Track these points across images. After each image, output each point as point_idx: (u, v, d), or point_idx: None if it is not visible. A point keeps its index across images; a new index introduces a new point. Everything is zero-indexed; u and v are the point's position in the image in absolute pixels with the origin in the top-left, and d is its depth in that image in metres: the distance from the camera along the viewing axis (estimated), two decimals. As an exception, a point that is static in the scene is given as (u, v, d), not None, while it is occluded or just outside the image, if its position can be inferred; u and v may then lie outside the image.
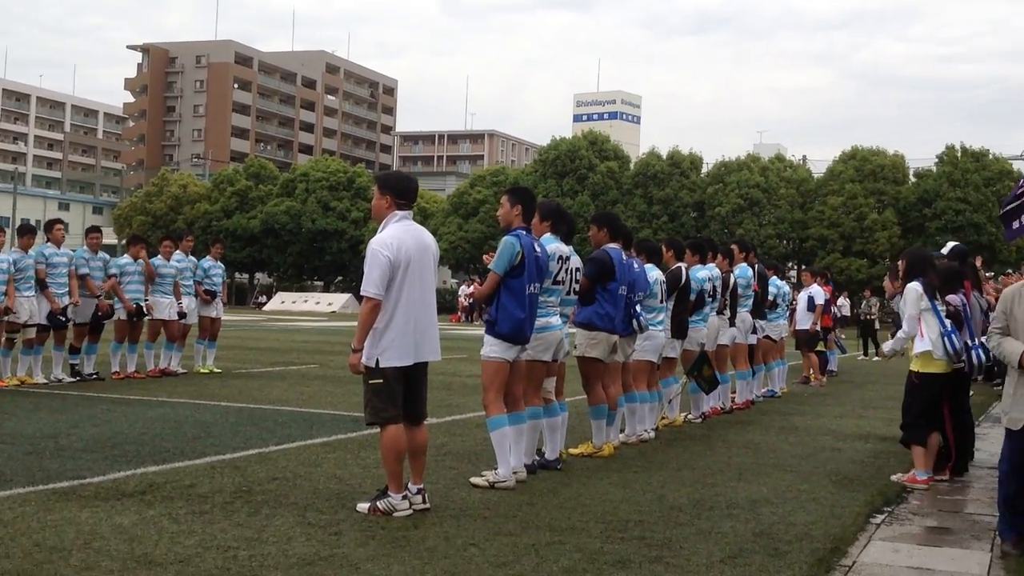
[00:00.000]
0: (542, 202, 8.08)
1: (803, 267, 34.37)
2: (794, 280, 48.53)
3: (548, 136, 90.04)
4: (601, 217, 9.23)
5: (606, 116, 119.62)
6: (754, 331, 13.16)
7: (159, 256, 15.11)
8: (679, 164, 62.21)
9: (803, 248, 59.93)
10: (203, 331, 15.80)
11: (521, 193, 7.60)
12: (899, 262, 8.65)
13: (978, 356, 7.85)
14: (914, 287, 8.08)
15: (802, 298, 17.46)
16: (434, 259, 6.53)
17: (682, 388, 11.10)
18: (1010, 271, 17.81)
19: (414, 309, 6.29)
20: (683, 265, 10.70)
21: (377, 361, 6.21)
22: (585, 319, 8.61)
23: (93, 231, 14.68)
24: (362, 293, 6.26)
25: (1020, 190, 9.48)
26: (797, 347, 17.57)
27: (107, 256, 14.57)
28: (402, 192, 6.48)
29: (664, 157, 63.21)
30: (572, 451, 8.67)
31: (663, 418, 10.74)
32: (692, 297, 10.73)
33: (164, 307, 14.84)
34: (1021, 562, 5.53)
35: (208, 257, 16.05)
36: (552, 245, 7.81)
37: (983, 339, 7.76)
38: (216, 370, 15.66)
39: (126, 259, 14.59)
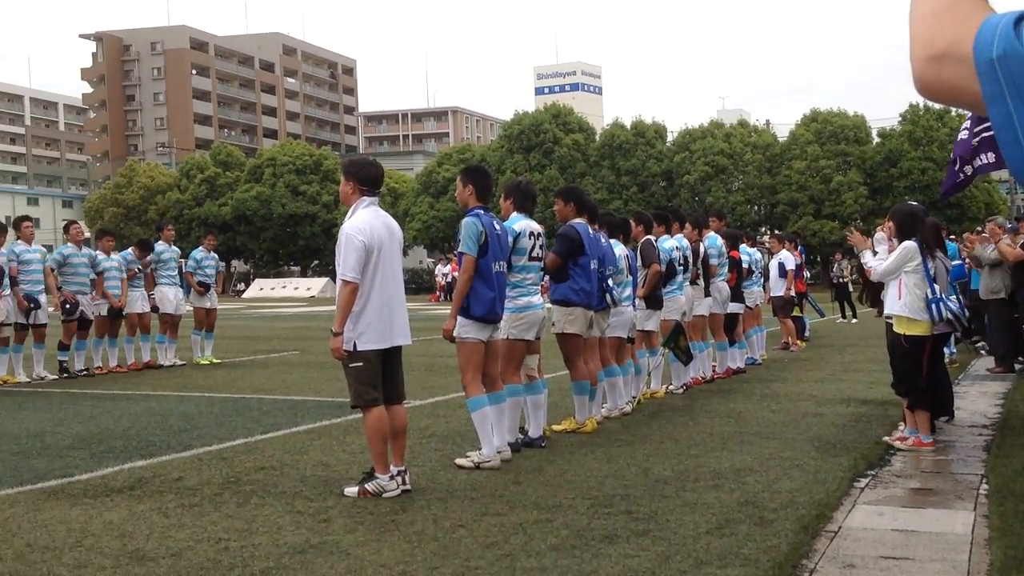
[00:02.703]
0: (507, 183, 8.13)
1: (772, 233, 34.72)
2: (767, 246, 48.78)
3: (511, 110, 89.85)
4: (567, 191, 9.27)
5: (568, 88, 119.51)
6: (735, 300, 13.22)
7: (130, 251, 15.07)
8: (643, 134, 62.23)
9: (774, 213, 60.19)
10: (199, 322, 15.80)
11: (473, 173, 7.63)
12: (887, 223, 8.49)
13: (949, 309, 7.75)
14: (911, 245, 7.88)
15: (773, 265, 17.58)
16: (399, 245, 6.65)
17: (662, 359, 11.19)
18: (979, 228, 18.06)
19: (387, 293, 6.40)
20: (651, 237, 10.78)
21: (355, 344, 6.30)
22: (562, 296, 8.67)
23: (73, 225, 14.57)
24: (340, 277, 6.34)
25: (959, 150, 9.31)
26: (774, 313, 17.71)
27: (92, 252, 14.48)
28: (365, 179, 6.58)
29: (628, 127, 63.25)
30: (555, 427, 8.75)
31: (646, 391, 10.83)
32: (663, 268, 10.80)
33: (136, 300, 14.80)
34: (1004, 518, 5.65)
35: (201, 248, 16.01)
36: (521, 222, 7.86)
37: (950, 297, 7.83)
38: (216, 360, 15.67)
39: (100, 254, 14.50)
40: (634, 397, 10.26)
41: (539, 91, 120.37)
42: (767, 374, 13.49)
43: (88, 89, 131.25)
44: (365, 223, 6.38)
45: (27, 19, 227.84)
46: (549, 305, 8.55)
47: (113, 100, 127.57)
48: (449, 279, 42.74)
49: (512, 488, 6.57)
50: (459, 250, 7.26)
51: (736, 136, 60.80)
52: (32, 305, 13.26)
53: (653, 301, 10.62)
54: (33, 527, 5.65)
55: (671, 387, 11.47)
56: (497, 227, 7.38)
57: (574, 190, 9.36)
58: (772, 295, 17.35)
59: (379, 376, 6.40)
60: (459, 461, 7.31)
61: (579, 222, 8.81)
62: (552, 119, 63.92)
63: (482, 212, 7.33)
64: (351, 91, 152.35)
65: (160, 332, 15.30)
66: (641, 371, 10.61)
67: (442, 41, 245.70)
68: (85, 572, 4.80)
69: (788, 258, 17.54)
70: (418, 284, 60.58)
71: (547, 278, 8.73)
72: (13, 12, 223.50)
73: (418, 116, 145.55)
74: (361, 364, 6.32)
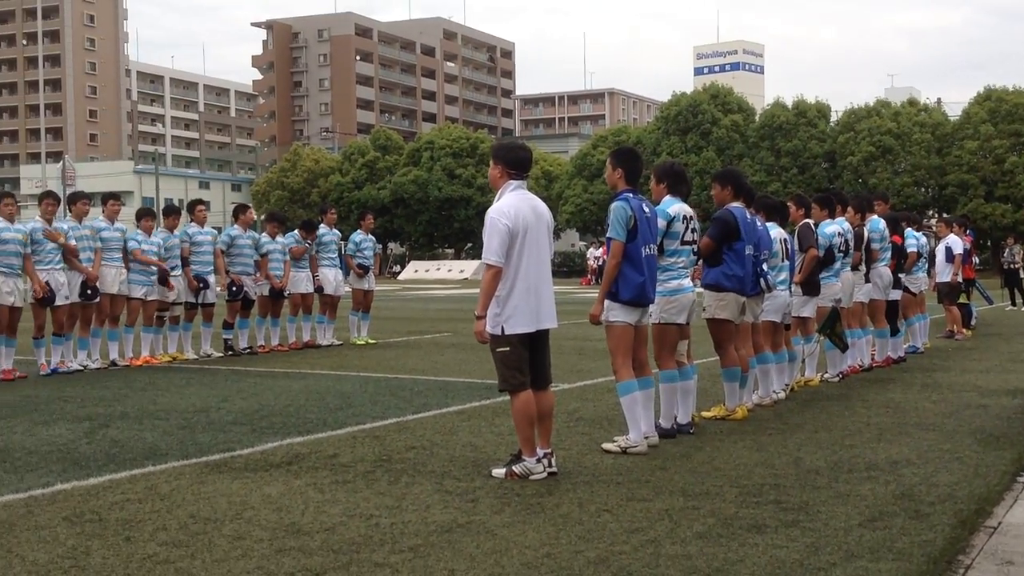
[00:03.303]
0: (658, 165, 8.04)
1: (939, 216, 33.21)
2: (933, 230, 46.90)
3: (669, 92, 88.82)
4: (724, 175, 9.09)
5: (728, 67, 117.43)
6: (896, 286, 12.77)
7: (295, 232, 15.56)
8: (805, 113, 60.69)
9: (943, 195, 57.85)
10: (356, 303, 16.21)
11: (624, 155, 7.53)
12: None
13: None
14: None
15: (940, 249, 16.88)
16: (548, 228, 6.62)
17: (818, 346, 10.91)
18: None
19: (533, 277, 6.40)
20: (810, 221, 10.50)
21: (502, 329, 6.35)
22: (713, 280, 8.55)
23: (244, 209, 15.15)
24: (483, 261, 6.39)
25: None
26: (939, 300, 17.05)
27: (256, 234, 15.03)
28: (513, 162, 6.56)
29: (790, 107, 61.72)
30: (705, 414, 8.65)
31: (800, 378, 10.59)
32: (821, 253, 10.52)
33: (301, 281, 15.28)
34: None
35: (359, 231, 16.40)
36: (675, 206, 7.77)
37: None
38: (371, 341, 16.03)
39: (264, 236, 15.04)
40: (787, 385, 10.04)
41: (698, 71, 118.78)
42: (929, 363, 13.00)
43: (258, 76, 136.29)
44: (510, 207, 6.40)
45: (203, 9, 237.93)
46: (700, 289, 8.45)
47: (281, 86, 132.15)
48: (600, 262, 42.63)
49: (659, 474, 6.53)
50: (607, 235, 7.23)
51: (904, 115, 58.66)
52: (201, 285, 13.86)
53: (810, 287, 10.36)
54: (196, 499, 5.91)
55: (826, 375, 11.18)
56: (646, 210, 7.31)
57: (732, 173, 9.18)
58: (938, 281, 16.69)
59: (525, 360, 6.42)
60: (606, 446, 7.30)
61: (736, 206, 8.66)
62: (711, 99, 62.99)
63: (631, 196, 7.26)
64: (509, 74, 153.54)
65: (320, 313, 15.79)
66: (796, 358, 10.37)
67: (600, 22, 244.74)
68: (243, 544, 5.00)
69: (956, 242, 16.81)
70: (570, 267, 60.75)
71: (700, 262, 8.61)
72: (191, 3, 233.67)
73: (574, 98, 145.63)
74: (507, 348, 6.36)
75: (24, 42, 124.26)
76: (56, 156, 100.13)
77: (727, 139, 61.44)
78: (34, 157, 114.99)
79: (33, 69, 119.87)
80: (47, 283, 11.72)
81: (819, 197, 11.31)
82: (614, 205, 7.20)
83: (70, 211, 12.67)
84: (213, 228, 15.01)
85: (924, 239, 15.02)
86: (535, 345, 6.51)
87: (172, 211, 14.21)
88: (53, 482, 6.32)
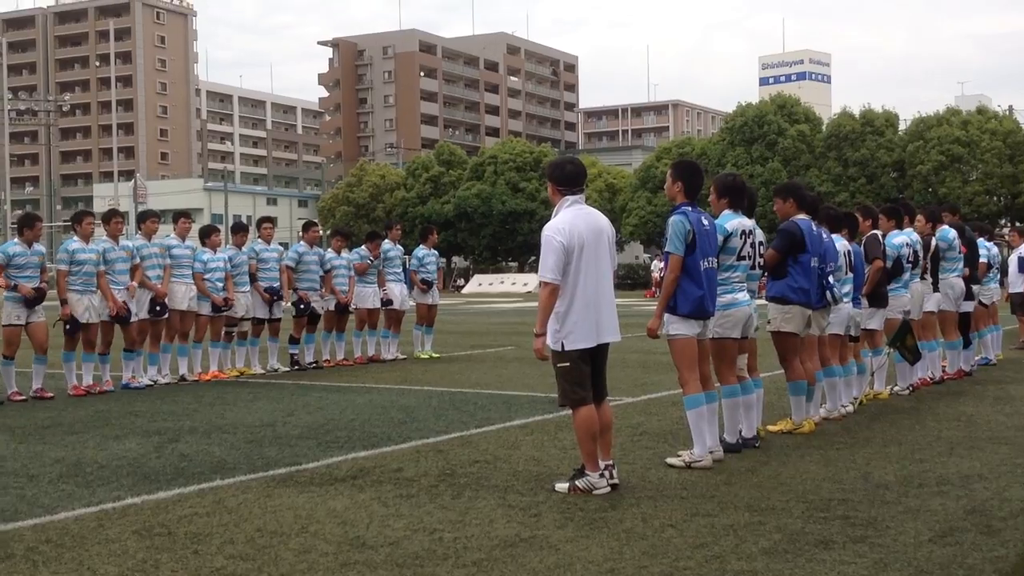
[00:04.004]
0: (718, 178, 7.99)
1: (1012, 225, 32.50)
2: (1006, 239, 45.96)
3: (733, 103, 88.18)
4: (784, 188, 9.00)
5: (794, 77, 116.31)
6: (968, 297, 12.52)
7: (363, 247, 15.67)
8: (873, 123, 59.81)
9: (1016, 204, 56.62)
10: (420, 318, 16.33)
11: (684, 168, 7.46)
12: None
13: None
14: None
15: (1013, 259, 16.53)
16: (610, 241, 6.59)
17: (887, 359, 10.73)
18: None
19: (592, 291, 6.38)
20: (877, 232, 10.35)
21: (562, 345, 6.35)
22: (778, 293, 8.46)
23: (310, 226, 15.30)
24: (539, 278, 6.41)
25: None
26: (1012, 311, 16.69)
27: (321, 250, 15.19)
28: (562, 178, 6.57)
29: (857, 116, 60.90)
30: (771, 428, 8.55)
31: (868, 391, 10.42)
32: (888, 264, 10.36)
33: (367, 296, 15.40)
34: None
35: (422, 246, 16.53)
36: (734, 220, 7.71)
37: None
38: (435, 355, 16.11)
39: (330, 252, 15.20)
40: (856, 398, 9.90)
41: (763, 81, 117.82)
42: (1002, 375, 12.72)
43: (324, 93, 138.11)
44: (565, 223, 6.40)
45: (271, 29, 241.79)
46: (761, 301, 8.36)
47: (347, 103, 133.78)
48: (662, 274, 42.46)
49: (723, 489, 6.47)
50: (666, 249, 7.19)
51: (974, 123, 57.53)
52: (276, 298, 14.08)
53: (877, 298, 10.20)
54: (263, 512, 5.98)
55: (896, 388, 10.99)
56: (705, 223, 7.25)
57: (791, 186, 9.08)
58: (1011, 291, 16.35)
59: (587, 375, 6.41)
60: (670, 460, 7.25)
61: (802, 218, 8.57)
62: (777, 110, 62.39)
63: (689, 209, 7.21)
64: (572, 87, 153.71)
65: (384, 327, 15.90)
66: (864, 371, 10.21)
67: (664, 34, 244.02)
68: (309, 557, 5.05)
69: (1030, 252, 16.43)
70: (634, 279, 60.49)
71: (764, 275, 8.54)
72: (259, 23, 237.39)
73: (638, 111, 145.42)
74: (568, 364, 6.37)
75: (97, 63, 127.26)
76: (128, 175, 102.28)
77: (793, 149, 60.79)
78: (107, 176, 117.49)
79: (106, 90, 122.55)
80: (124, 301, 11.99)
81: (886, 208, 11.14)
82: (672, 219, 7.16)
83: (139, 229, 12.93)
84: (279, 245, 15.21)
85: (995, 249, 14.71)
86: (597, 359, 6.51)
87: (240, 228, 14.47)
88: (124, 496, 6.44)
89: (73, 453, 8.02)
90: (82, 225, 11.98)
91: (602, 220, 6.63)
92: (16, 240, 11.74)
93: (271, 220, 15.05)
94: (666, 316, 7.19)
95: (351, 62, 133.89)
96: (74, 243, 11.84)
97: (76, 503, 6.26)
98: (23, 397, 11.33)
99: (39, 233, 12.00)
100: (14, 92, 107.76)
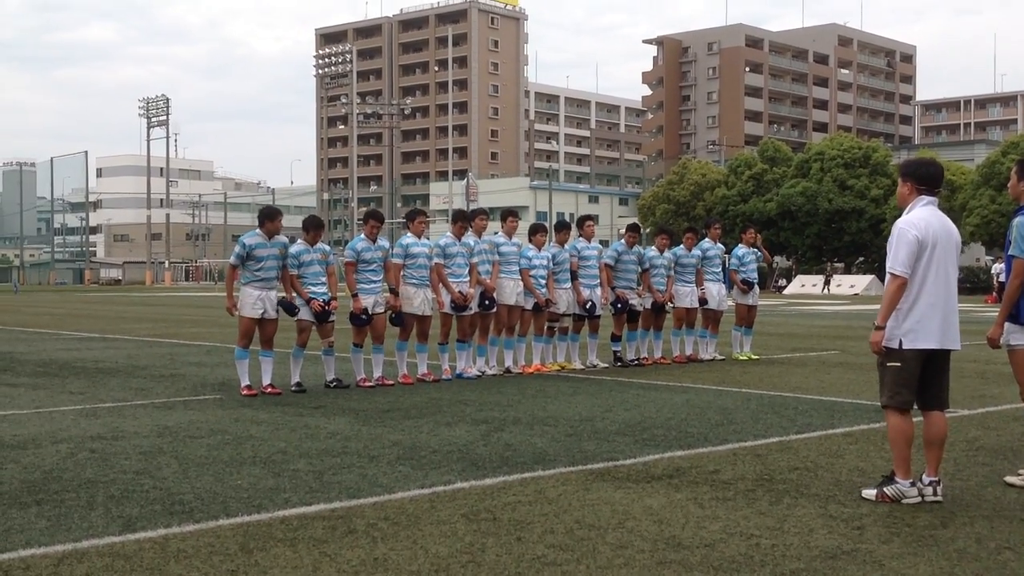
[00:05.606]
0: None
1: None
2: None
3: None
4: None
5: None
6: None
7: (681, 247, 15.70)
8: None
9: None
10: (740, 319, 16.18)
11: None
12: None
13: None
14: None
15: None
16: (957, 247, 6.36)
17: None
18: None
19: (939, 293, 6.17)
20: None
21: (900, 342, 6.15)
22: None
23: (632, 229, 15.47)
24: (888, 270, 6.23)
25: None
26: None
27: (640, 249, 15.36)
28: (923, 177, 6.38)
29: None
30: None
31: None
32: None
33: (686, 296, 15.43)
34: None
35: (741, 244, 16.38)
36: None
37: None
38: (754, 356, 15.90)
39: (652, 251, 15.29)
40: None
41: None
42: None
43: (647, 91, 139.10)
44: (920, 219, 6.24)
45: (599, 30, 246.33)
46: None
47: (669, 101, 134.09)
48: (1001, 278, 39.41)
49: (1071, 515, 5.97)
50: (1009, 252, 6.71)
51: None
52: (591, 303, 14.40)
53: None
54: (581, 505, 6.14)
55: None
56: (1055, 224, 6.71)
57: None
58: None
59: (915, 378, 6.19)
60: (1009, 479, 6.76)
61: None
62: None
63: (1036, 210, 6.71)
64: (908, 79, 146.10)
65: (703, 327, 15.84)
66: None
67: (1015, 21, 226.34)
68: (626, 553, 5.14)
69: None
70: (973, 283, 56.66)
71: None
72: (587, 24, 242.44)
73: (982, 102, 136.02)
74: (900, 364, 6.17)
75: (436, 68, 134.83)
76: (461, 174, 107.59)
77: None
78: (442, 175, 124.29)
79: (443, 93, 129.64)
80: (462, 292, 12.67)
81: None
82: (1017, 220, 6.67)
83: (471, 226, 13.57)
84: (599, 243, 15.48)
85: None
86: (932, 365, 6.24)
87: (563, 226, 14.86)
88: (453, 480, 6.82)
89: (409, 437, 8.58)
90: (414, 223, 12.73)
91: (952, 226, 6.43)
92: (257, 231, 11.55)
93: (592, 218, 15.36)
94: (1007, 325, 6.72)
95: (675, 59, 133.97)
96: (361, 241, 12.27)
97: (411, 484, 6.70)
98: (254, 392, 11.29)
99: (279, 227, 11.65)
100: (362, 97, 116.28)
